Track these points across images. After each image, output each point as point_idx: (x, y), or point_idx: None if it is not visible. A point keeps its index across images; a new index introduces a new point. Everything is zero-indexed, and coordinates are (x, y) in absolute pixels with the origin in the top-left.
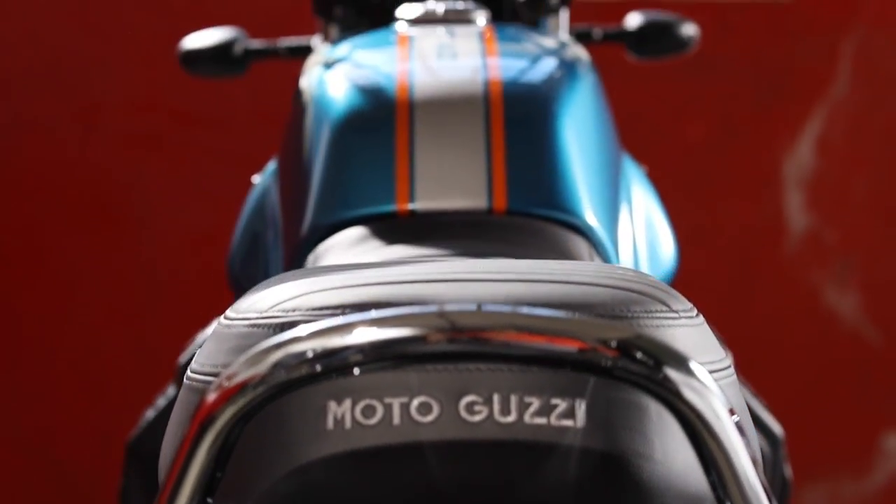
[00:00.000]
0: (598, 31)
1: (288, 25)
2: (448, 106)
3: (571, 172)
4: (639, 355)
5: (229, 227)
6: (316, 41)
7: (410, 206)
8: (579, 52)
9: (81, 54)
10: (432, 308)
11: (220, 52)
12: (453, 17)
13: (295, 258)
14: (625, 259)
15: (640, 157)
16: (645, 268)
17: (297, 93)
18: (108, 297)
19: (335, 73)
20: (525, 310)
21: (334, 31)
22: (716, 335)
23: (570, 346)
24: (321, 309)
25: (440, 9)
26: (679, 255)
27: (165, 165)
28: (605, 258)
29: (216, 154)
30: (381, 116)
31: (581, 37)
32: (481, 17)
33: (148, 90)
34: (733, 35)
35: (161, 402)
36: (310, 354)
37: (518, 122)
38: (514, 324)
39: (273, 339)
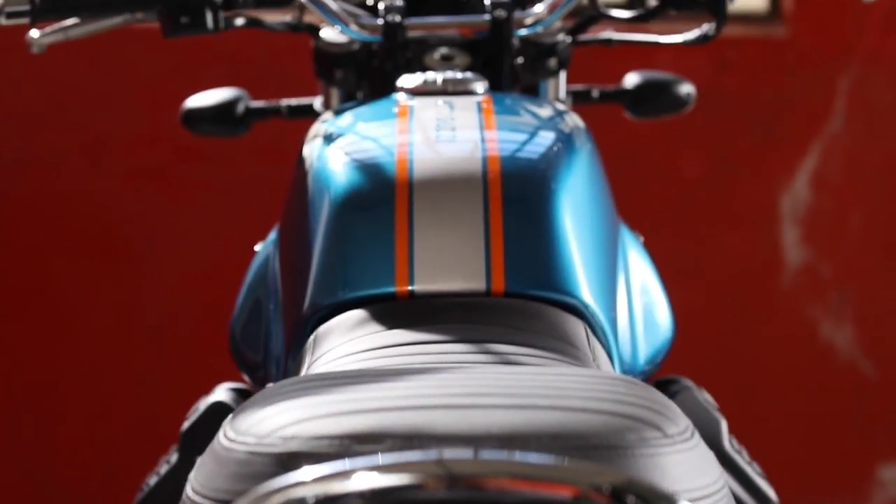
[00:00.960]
0: (595, 91)
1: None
2: (447, 186)
3: (569, 252)
4: (631, 500)
5: (232, 260)
6: (317, 103)
7: (409, 288)
8: (575, 120)
9: (86, 90)
10: (431, 455)
11: (221, 113)
12: (452, 89)
13: (296, 337)
14: (622, 336)
15: (638, 192)
16: (641, 342)
17: (300, 162)
18: (113, 329)
19: (336, 148)
20: (519, 456)
21: (335, 94)
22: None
23: (564, 493)
24: (320, 438)
25: (440, 79)
26: (675, 326)
27: (169, 199)
28: (603, 340)
29: (219, 188)
30: (380, 196)
31: (579, 96)
32: (480, 86)
33: (152, 126)
34: (730, 71)
35: (163, 468)
36: (311, 501)
37: (516, 202)
38: (509, 471)
39: (275, 483)
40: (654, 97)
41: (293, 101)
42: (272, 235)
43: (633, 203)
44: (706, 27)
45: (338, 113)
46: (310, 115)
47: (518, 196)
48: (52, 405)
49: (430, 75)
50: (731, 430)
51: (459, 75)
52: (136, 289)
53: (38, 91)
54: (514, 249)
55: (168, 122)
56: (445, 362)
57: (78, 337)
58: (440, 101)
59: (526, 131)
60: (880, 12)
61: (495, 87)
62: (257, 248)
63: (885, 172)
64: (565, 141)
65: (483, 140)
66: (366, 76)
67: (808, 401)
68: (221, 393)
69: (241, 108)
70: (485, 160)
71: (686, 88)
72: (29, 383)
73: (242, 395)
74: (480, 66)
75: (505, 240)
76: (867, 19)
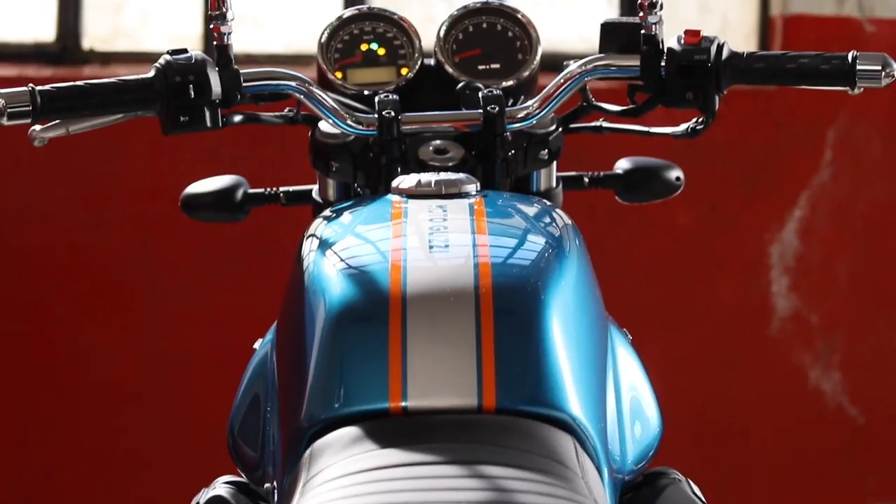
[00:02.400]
0: (586, 177)
1: None
2: (439, 300)
3: (559, 366)
4: None
5: (231, 309)
6: (315, 191)
7: (403, 405)
8: (564, 219)
9: (88, 143)
10: None
11: (220, 200)
12: (445, 191)
13: (292, 447)
14: (611, 440)
15: (631, 241)
16: (630, 443)
17: (298, 259)
18: (117, 376)
19: (332, 253)
20: None
21: (332, 183)
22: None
23: None
24: None
25: (433, 180)
26: (663, 424)
27: (169, 250)
28: (591, 453)
29: (220, 237)
30: (374, 311)
31: (570, 182)
32: (472, 188)
33: (152, 178)
34: (720, 123)
35: None
36: None
37: (507, 317)
38: None
39: None
40: (643, 183)
41: (291, 189)
42: (270, 334)
43: (626, 252)
44: (696, 121)
45: (334, 212)
46: (307, 202)
47: (509, 310)
48: (54, 448)
49: (424, 177)
50: (722, 472)
51: (453, 177)
52: (137, 337)
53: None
54: (505, 366)
55: (168, 174)
56: (435, 487)
57: (79, 383)
58: (434, 204)
59: (517, 235)
60: None
61: (489, 179)
62: (256, 345)
63: (872, 223)
64: (555, 245)
65: (475, 245)
66: (362, 167)
67: (797, 444)
68: (221, 488)
69: (239, 194)
70: (476, 268)
71: (675, 173)
72: (31, 428)
73: (241, 491)
74: (474, 158)
75: (496, 356)
76: None
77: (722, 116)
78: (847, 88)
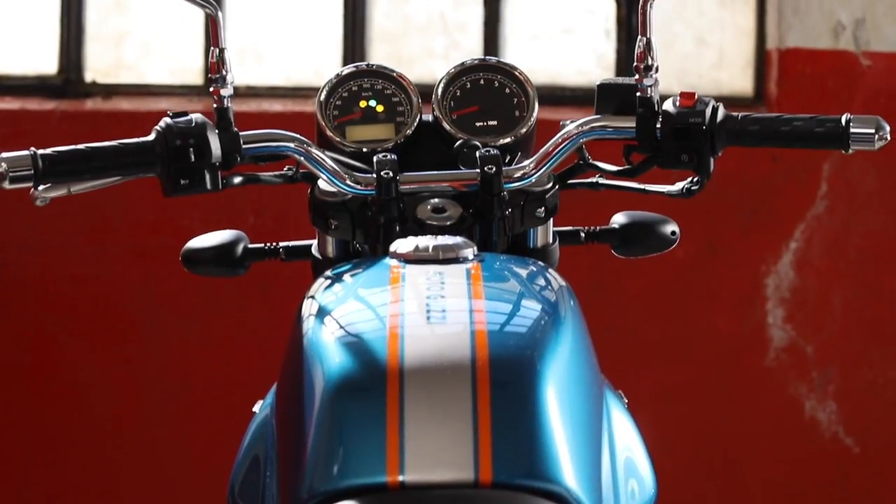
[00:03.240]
0: (583, 232)
1: None
2: (436, 373)
3: (555, 438)
4: None
5: (231, 339)
6: (314, 246)
7: (400, 479)
8: (559, 282)
9: None
10: None
11: (220, 255)
12: (443, 256)
13: None
14: None
15: (628, 274)
16: None
17: (297, 321)
18: (118, 407)
19: (331, 320)
20: None
21: (331, 240)
22: None
23: None
24: None
25: (431, 245)
26: (657, 486)
27: (171, 281)
28: None
29: None
30: (372, 383)
31: (566, 237)
32: (469, 252)
33: (154, 210)
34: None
35: None
36: None
37: (503, 389)
38: None
39: None
40: (639, 238)
41: (290, 244)
42: (270, 397)
43: (624, 283)
44: (691, 181)
45: (333, 275)
46: (306, 257)
47: (505, 382)
48: (56, 478)
49: (422, 242)
50: (719, 503)
51: (450, 241)
52: (138, 368)
53: None
54: (501, 439)
55: (170, 207)
56: None
57: (81, 414)
58: (431, 270)
59: (513, 301)
60: (863, 98)
61: (486, 237)
62: (256, 408)
63: (867, 254)
64: (550, 312)
65: (471, 311)
66: (360, 226)
67: (792, 473)
68: None
69: (239, 249)
70: (473, 336)
71: (671, 228)
72: (33, 457)
73: None
74: (471, 217)
75: (493, 430)
76: (850, 104)
77: None
78: (841, 150)
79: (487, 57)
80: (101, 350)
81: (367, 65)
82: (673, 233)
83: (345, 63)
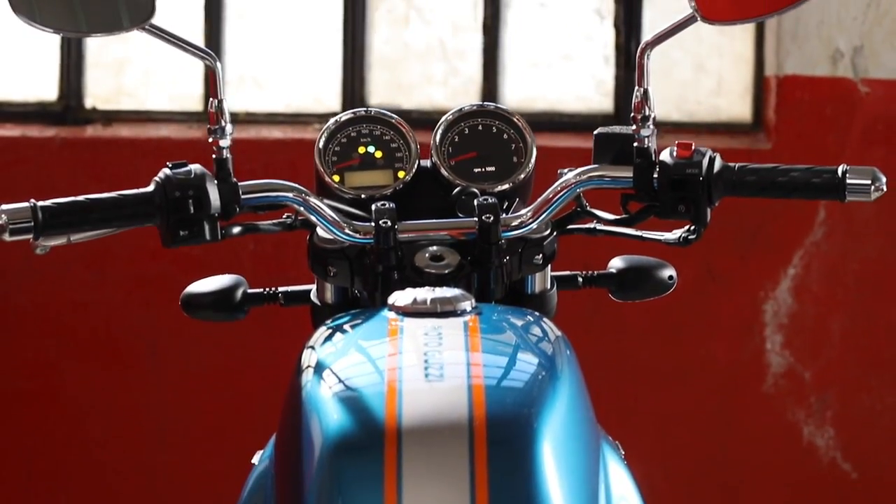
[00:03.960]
0: (580, 277)
1: None
2: (434, 433)
3: (550, 497)
4: None
5: (230, 366)
6: (313, 292)
7: None
8: (556, 332)
9: None
10: None
11: (220, 300)
12: (441, 309)
13: None
14: None
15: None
16: None
17: (297, 372)
18: (118, 433)
19: (330, 374)
20: None
21: (329, 286)
22: None
23: None
24: None
25: (429, 297)
26: None
27: (170, 308)
28: None
29: None
30: (370, 443)
31: (564, 282)
32: (467, 304)
33: (154, 237)
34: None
35: None
36: None
37: (500, 448)
38: None
39: None
40: (637, 283)
41: (289, 289)
42: (269, 449)
43: (622, 309)
44: (688, 230)
45: (332, 327)
46: (305, 302)
47: (502, 440)
48: (56, 502)
49: (420, 294)
50: None
51: (448, 294)
52: (138, 394)
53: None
54: (498, 498)
55: None
56: None
57: (81, 440)
58: (429, 325)
59: (510, 355)
60: (861, 125)
61: (484, 284)
62: (255, 460)
63: (865, 281)
64: (547, 366)
65: (468, 365)
66: (359, 273)
67: (791, 499)
68: None
69: (238, 295)
70: (470, 391)
71: (668, 272)
72: (34, 483)
73: None
74: (469, 264)
75: (489, 488)
76: (848, 131)
77: None
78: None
79: (486, 103)
80: (100, 377)
81: (366, 110)
82: (670, 277)
83: (344, 91)
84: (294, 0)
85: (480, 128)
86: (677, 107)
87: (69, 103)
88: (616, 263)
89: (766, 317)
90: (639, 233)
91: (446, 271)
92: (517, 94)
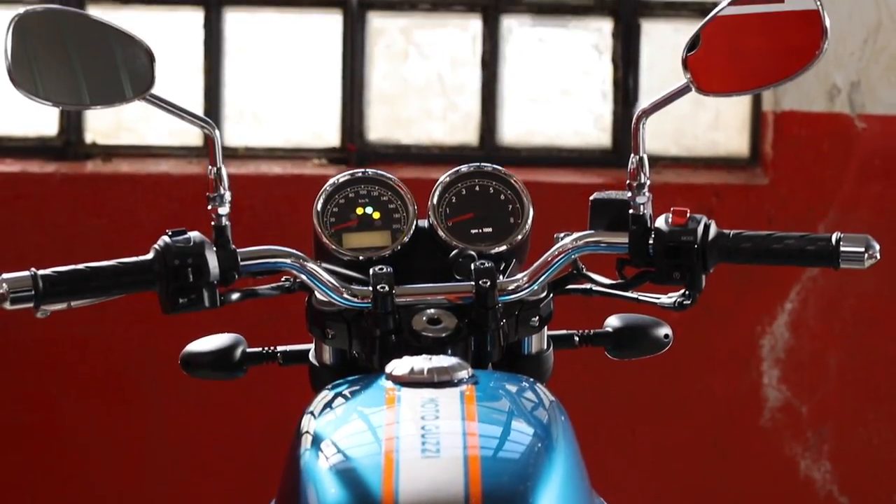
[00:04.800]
0: (577, 336)
1: None
2: None
3: None
4: None
5: (229, 402)
6: (311, 352)
7: None
8: (550, 398)
9: (91, 237)
10: None
11: (219, 359)
12: (437, 379)
13: None
14: None
15: None
16: None
17: (297, 437)
18: (118, 467)
19: (329, 443)
20: None
21: (327, 350)
22: None
23: None
24: None
25: (426, 367)
26: None
27: (173, 345)
28: None
29: (220, 330)
30: None
31: (560, 341)
32: (463, 374)
33: None
34: (713, 217)
35: None
36: None
37: None
38: None
39: None
40: (633, 341)
41: (288, 348)
42: None
43: None
44: (683, 294)
45: (331, 395)
46: (303, 362)
47: None
48: None
49: (417, 364)
50: None
51: (445, 363)
52: (138, 429)
53: (46, 237)
54: None
55: None
56: None
57: (81, 474)
58: (426, 396)
59: (506, 424)
60: (858, 161)
61: (481, 347)
62: None
63: (861, 316)
64: (542, 435)
65: (465, 435)
66: (357, 335)
67: None
68: None
69: (237, 354)
70: (466, 462)
71: (664, 331)
72: None
73: None
74: (466, 328)
75: None
76: (845, 166)
77: (714, 211)
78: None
79: (483, 164)
80: (101, 412)
81: (363, 172)
82: (666, 336)
83: (343, 125)
84: (293, 35)
85: (477, 188)
86: (675, 141)
87: (69, 138)
88: (612, 322)
89: (763, 351)
90: (634, 295)
91: (444, 335)
92: (515, 129)
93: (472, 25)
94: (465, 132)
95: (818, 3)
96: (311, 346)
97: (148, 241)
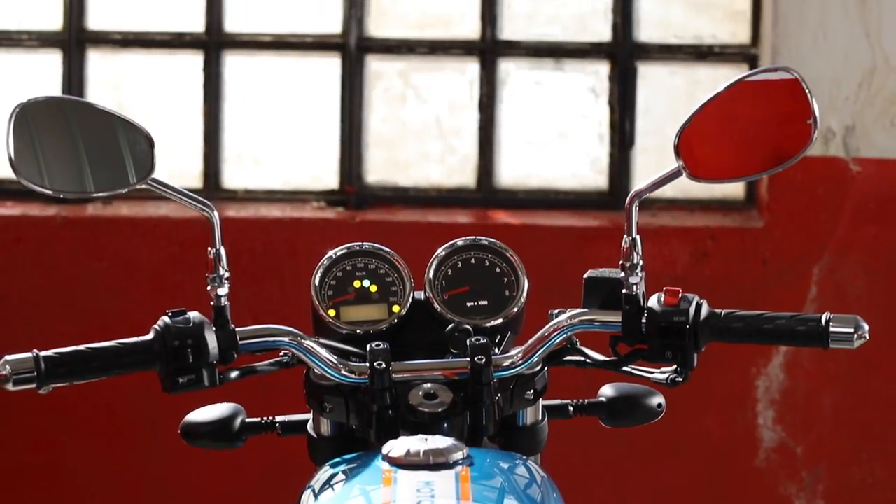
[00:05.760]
0: (571, 406)
1: None
2: None
3: None
4: None
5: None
6: (310, 425)
7: None
8: (542, 475)
9: (92, 282)
10: None
11: (219, 429)
12: (433, 461)
13: None
14: None
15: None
16: None
17: None
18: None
19: None
20: None
21: (325, 422)
22: None
23: None
24: None
25: (422, 449)
26: None
27: None
28: None
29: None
30: None
31: (555, 411)
32: (458, 455)
33: (154, 318)
34: (708, 260)
35: None
36: None
37: None
38: None
39: None
40: (627, 410)
41: (287, 419)
42: None
43: None
44: (675, 371)
45: (331, 472)
46: (302, 432)
47: None
48: None
49: (414, 446)
50: None
51: (440, 444)
52: (138, 471)
53: (47, 281)
54: None
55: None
56: None
57: None
58: (422, 480)
59: (498, 502)
60: (853, 204)
61: (476, 420)
62: None
63: (855, 357)
64: None
65: None
66: (354, 409)
67: None
68: None
69: (237, 424)
70: None
71: (657, 400)
72: None
73: None
74: (462, 402)
75: None
76: (840, 210)
77: (709, 254)
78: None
79: (478, 237)
80: (101, 454)
81: (360, 245)
82: (659, 405)
83: (342, 168)
84: (292, 78)
85: (473, 261)
86: (672, 184)
87: None
88: (606, 392)
89: (758, 392)
90: (628, 369)
91: (440, 410)
92: (513, 171)
93: (470, 69)
94: (463, 174)
95: (807, 91)
96: (310, 417)
97: (148, 284)
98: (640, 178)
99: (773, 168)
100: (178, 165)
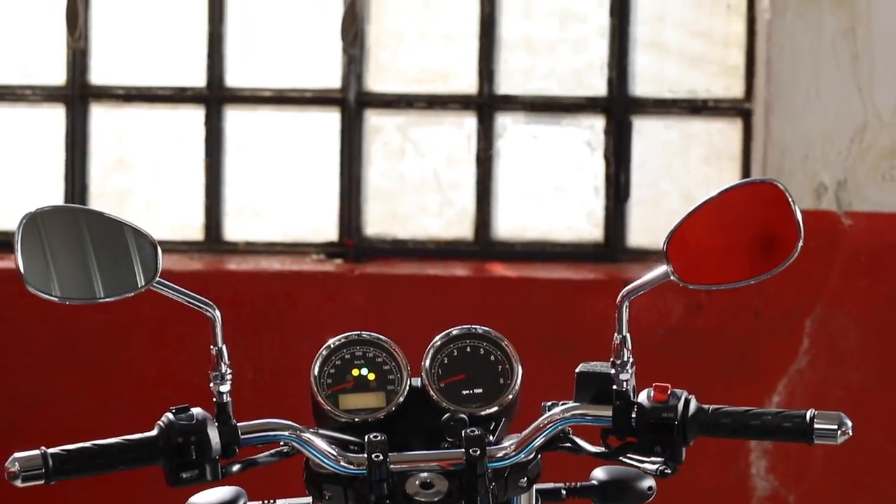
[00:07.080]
0: (564, 490)
1: None
2: None
3: None
4: None
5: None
6: None
7: None
8: None
9: (96, 331)
10: None
11: None
12: None
13: None
14: None
15: None
16: None
17: None
18: None
19: None
20: None
21: None
22: None
23: None
24: None
25: None
26: None
27: None
28: None
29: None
30: None
31: (548, 495)
32: None
33: (157, 365)
34: (701, 312)
35: None
36: None
37: None
38: None
39: None
40: (618, 493)
41: (288, 502)
42: None
43: None
44: (664, 462)
45: None
46: None
47: None
48: None
49: None
50: None
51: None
52: None
53: (50, 334)
54: None
55: (172, 362)
56: None
57: None
58: None
59: None
60: (843, 258)
61: None
62: None
63: (847, 408)
64: None
65: None
66: (352, 497)
67: None
68: None
69: None
70: None
71: (647, 483)
72: None
73: None
74: (458, 491)
75: None
76: (832, 263)
77: (703, 307)
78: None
79: (473, 326)
80: (107, 498)
81: (357, 334)
82: (650, 488)
83: (341, 221)
84: (292, 132)
85: (468, 350)
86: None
87: None
88: (598, 475)
89: (750, 442)
90: (620, 458)
91: (436, 499)
92: (510, 224)
93: (468, 123)
94: (461, 227)
95: (792, 202)
96: (310, 501)
97: (150, 336)
98: (636, 230)
99: (759, 275)
100: (180, 219)
